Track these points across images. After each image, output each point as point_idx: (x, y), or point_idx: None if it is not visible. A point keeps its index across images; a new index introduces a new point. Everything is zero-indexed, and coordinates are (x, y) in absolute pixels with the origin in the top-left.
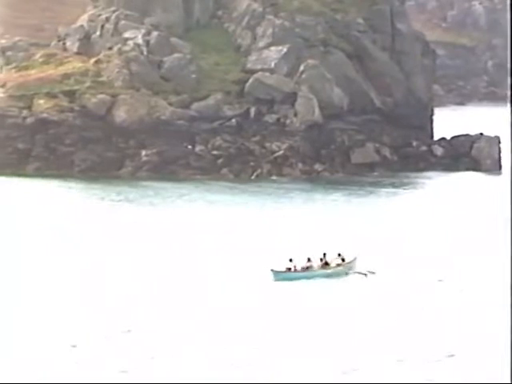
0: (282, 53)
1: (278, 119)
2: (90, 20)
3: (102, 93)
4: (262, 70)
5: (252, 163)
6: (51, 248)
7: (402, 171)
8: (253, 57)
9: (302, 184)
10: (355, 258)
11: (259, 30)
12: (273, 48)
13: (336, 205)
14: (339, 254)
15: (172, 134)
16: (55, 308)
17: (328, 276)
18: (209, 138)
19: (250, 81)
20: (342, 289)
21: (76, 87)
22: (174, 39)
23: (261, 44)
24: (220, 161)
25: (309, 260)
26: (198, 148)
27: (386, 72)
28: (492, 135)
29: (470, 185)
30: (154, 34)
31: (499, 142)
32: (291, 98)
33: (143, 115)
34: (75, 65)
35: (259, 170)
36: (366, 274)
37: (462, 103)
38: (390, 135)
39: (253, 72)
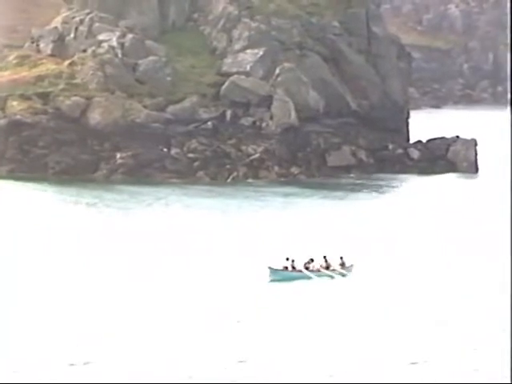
0: (258, 56)
1: (254, 122)
2: (64, 22)
3: (76, 95)
4: (238, 72)
5: (228, 166)
6: (22, 253)
7: (378, 174)
8: (228, 60)
9: (279, 187)
10: (352, 265)
11: (235, 33)
12: (248, 51)
13: (312, 207)
14: (341, 258)
15: (147, 137)
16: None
17: (324, 277)
18: (184, 140)
19: (226, 84)
20: (339, 290)
21: (50, 89)
22: (149, 42)
23: (236, 47)
24: (196, 164)
25: (312, 261)
26: (173, 151)
27: (361, 75)
28: (468, 138)
29: (446, 188)
30: (129, 36)
31: (475, 145)
32: (267, 101)
33: (118, 118)
34: (49, 67)
35: (235, 173)
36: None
37: (437, 106)
38: (366, 138)
39: (228, 75)
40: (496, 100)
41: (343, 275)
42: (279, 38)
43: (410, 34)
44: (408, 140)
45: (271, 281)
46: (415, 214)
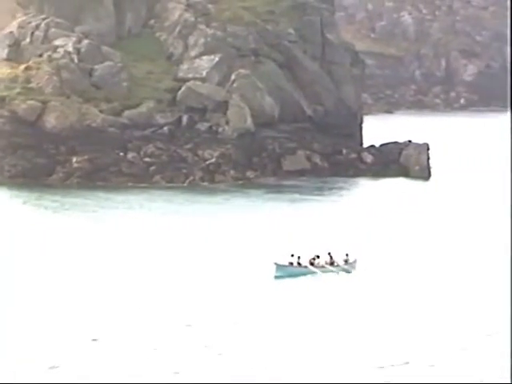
0: (214, 62)
1: (210, 127)
2: (20, 27)
3: (32, 99)
4: (194, 78)
5: (184, 170)
6: None
7: (332, 178)
8: (184, 66)
9: (237, 191)
10: (355, 260)
11: (191, 40)
12: (205, 57)
13: (271, 211)
14: (347, 255)
15: (103, 141)
16: None
17: (327, 273)
18: (141, 145)
19: (182, 89)
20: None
21: (5, 93)
22: (105, 48)
23: (193, 53)
24: (152, 168)
25: (317, 257)
26: (130, 155)
27: (316, 81)
28: (420, 142)
29: (398, 191)
30: (85, 42)
31: (427, 149)
32: (223, 106)
33: (74, 122)
34: (4, 71)
35: (192, 177)
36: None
37: (390, 111)
38: (320, 143)
39: (185, 81)
40: (448, 105)
41: (347, 271)
42: (235, 44)
43: (363, 41)
44: (361, 144)
45: (276, 277)
46: (362, 219)
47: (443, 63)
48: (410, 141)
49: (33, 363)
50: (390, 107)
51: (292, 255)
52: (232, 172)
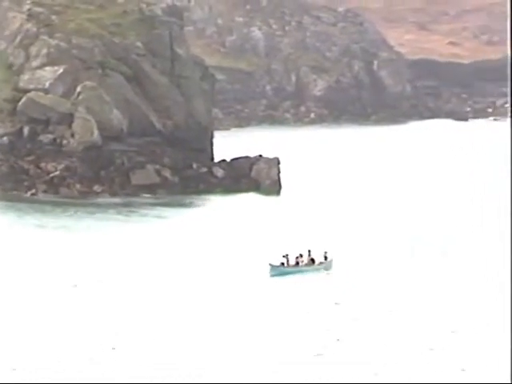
0: (58, 73)
1: (55, 139)
2: None
3: None
4: (36, 89)
5: (26, 183)
6: None
7: (182, 193)
8: (25, 76)
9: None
10: (331, 259)
11: (33, 50)
12: (47, 68)
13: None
14: (326, 252)
15: None
16: None
17: (315, 270)
18: None
19: (23, 100)
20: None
21: None
22: None
23: (34, 64)
24: None
25: (301, 256)
26: None
27: (165, 95)
28: (271, 157)
29: (247, 205)
30: None
31: (278, 163)
32: (68, 118)
33: None
34: None
35: (34, 190)
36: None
37: (240, 126)
38: (170, 157)
39: (26, 91)
40: (298, 120)
41: (326, 269)
42: (80, 56)
43: (213, 55)
44: (212, 159)
45: (272, 276)
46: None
47: (293, 78)
48: (260, 155)
49: None
50: (241, 122)
51: (283, 256)
52: (78, 186)
